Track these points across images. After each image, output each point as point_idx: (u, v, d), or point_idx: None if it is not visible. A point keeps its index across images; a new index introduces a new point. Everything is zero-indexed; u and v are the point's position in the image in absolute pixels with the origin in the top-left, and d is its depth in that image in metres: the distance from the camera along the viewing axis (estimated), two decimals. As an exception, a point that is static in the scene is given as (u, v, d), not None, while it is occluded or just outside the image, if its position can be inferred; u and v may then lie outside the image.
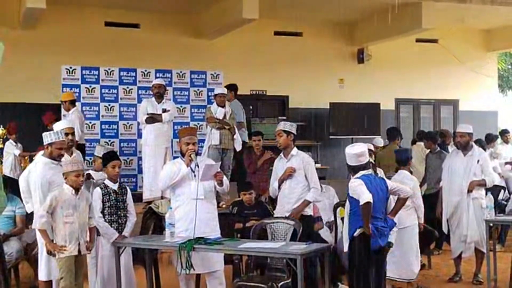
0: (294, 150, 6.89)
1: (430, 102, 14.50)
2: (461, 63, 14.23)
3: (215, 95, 10.14)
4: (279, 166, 6.92)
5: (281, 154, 6.96)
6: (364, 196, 5.49)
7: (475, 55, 14.60)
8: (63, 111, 10.00)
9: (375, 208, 5.60)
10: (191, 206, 5.97)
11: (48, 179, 6.04)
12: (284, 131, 6.82)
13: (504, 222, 7.88)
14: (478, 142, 9.49)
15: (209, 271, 6.05)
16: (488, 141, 11.66)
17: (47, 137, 6.13)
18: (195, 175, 6.00)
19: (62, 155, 6.19)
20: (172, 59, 12.03)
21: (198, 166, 5.98)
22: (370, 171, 5.80)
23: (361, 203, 5.51)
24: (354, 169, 5.76)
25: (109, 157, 6.42)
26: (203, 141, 10.67)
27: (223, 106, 10.02)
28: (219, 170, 6.08)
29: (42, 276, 6.11)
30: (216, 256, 5.98)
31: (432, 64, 14.03)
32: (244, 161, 9.67)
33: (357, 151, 5.77)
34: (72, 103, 9.87)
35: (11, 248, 6.98)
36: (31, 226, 6.39)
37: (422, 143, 10.45)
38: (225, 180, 6.13)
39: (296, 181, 6.80)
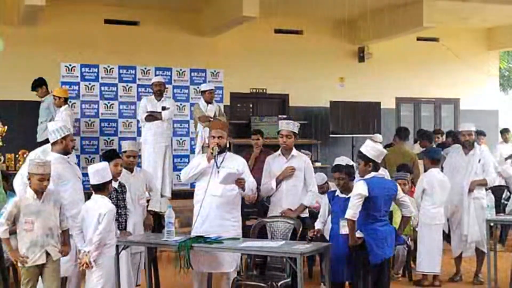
0: (295, 151, 6.85)
1: (431, 101, 14.45)
2: (462, 62, 14.18)
3: (203, 91, 10.13)
4: (276, 165, 6.81)
5: (279, 153, 6.87)
6: (350, 211, 5.47)
7: (476, 54, 14.55)
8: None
9: (377, 209, 5.57)
10: (206, 203, 5.99)
11: (59, 174, 5.91)
12: (294, 133, 6.80)
13: (504, 222, 7.85)
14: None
15: (216, 272, 6.05)
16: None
17: (60, 132, 6.05)
18: (218, 171, 5.97)
19: (74, 147, 6.23)
20: (172, 57, 11.99)
21: (221, 163, 5.98)
22: (382, 173, 5.80)
23: (345, 216, 5.52)
24: (369, 163, 5.67)
25: (111, 155, 6.41)
26: (192, 139, 10.66)
27: (212, 103, 10.05)
28: (241, 177, 5.96)
29: None
30: (222, 257, 5.94)
31: (433, 63, 13.98)
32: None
33: (379, 148, 5.78)
34: (65, 100, 9.85)
35: (10, 246, 6.93)
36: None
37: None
38: (249, 183, 6.04)
39: (296, 182, 6.73)
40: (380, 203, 5.57)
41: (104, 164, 5.88)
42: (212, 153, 5.97)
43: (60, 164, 5.99)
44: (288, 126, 6.85)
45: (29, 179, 5.46)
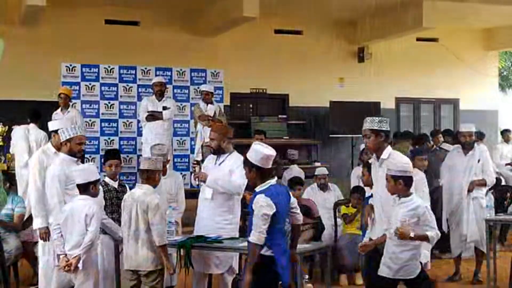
0: (386, 153, 5.32)
1: (431, 101, 14.48)
2: (461, 62, 14.21)
3: (202, 91, 10.25)
4: (373, 171, 5.56)
5: (374, 157, 5.49)
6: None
7: (475, 54, 14.57)
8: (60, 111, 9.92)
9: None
10: (201, 205, 6.16)
11: (66, 175, 5.75)
12: (372, 130, 5.42)
13: (504, 222, 7.87)
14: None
15: (207, 273, 6.10)
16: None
17: (65, 133, 5.88)
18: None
19: (82, 151, 6.05)
20: (172, 57, 12.01)
21: (220, 164, 6.07)
22: (274, 180, 4.91)
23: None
24: (262, 174, 4.83)
25: (108, 155, 6.42)
26: (192, 139, 10.64)
27: (211, 103, 10.12)
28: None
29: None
30: (209, 258, 5.96)
31: (433, 63, 14.00)
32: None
33: (270, 152, 4.85)
34: (70, 100, 9.88)
35: (10, 246, 6.96)
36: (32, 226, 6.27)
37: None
38: (227, 184, 5.99)
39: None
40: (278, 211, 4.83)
41: (89, 165, 5.70)
42: (195, 167, 6.22)
43: (68, 166, 5.79)
44: (365, 123, 5.66)
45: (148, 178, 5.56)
